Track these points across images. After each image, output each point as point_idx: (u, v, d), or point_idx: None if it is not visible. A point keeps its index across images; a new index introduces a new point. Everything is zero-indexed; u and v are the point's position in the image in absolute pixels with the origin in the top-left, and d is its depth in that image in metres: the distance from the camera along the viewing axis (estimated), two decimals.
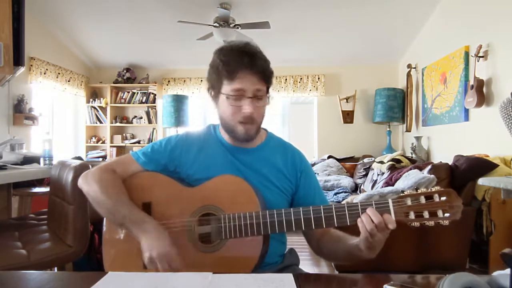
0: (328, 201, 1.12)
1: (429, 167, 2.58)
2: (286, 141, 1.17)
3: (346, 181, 4.05)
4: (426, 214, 0.82)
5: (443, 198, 0.82)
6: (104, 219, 1.04)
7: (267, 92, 1.03)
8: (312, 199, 1.07)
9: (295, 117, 5.68)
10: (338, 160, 4.75)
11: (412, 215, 0.83)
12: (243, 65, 0.95)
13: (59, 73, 4.81)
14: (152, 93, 5.57)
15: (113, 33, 4.77)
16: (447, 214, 0.81)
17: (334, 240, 1.00)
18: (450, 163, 2.63)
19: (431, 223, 0.82)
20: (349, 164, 4.66)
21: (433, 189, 0.83)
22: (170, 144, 1.08)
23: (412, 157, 4.01)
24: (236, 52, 0.97)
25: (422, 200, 0.83)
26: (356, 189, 4.08)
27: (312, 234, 1.06)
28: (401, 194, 0.85)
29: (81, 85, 5.40)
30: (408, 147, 4.40)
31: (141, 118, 5.65)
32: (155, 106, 5.57)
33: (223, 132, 1.07)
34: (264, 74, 0.98)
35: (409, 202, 0.83)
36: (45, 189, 2.84)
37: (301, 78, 5.35)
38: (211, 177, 0.99)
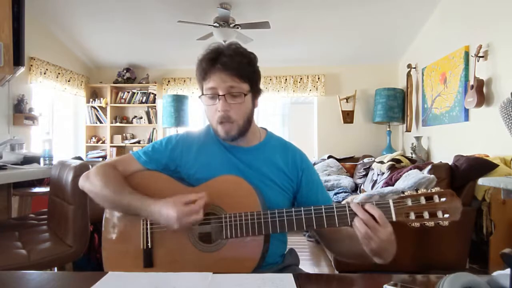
0: (331, 199, 1.12)
1: (429, 167, 2.58)
2: (287, 140, 1.16)
3: (346, 181, 4.05)
4: (426, 215, 0.83)
5: (443, 199, 0.83)
6: (104, 219, 1.04)
7: (252, 90, 1.01)
8: (315, 197, 1.07)
9: (295, 117, 5.68)
10: (338, 160, 4.75)
11: (412, 216, 0.83)
12: (211, 63, 0.96)
13: (59, 73, 4.81)
14: (152, 93, 5.57)
15: (113, 33, 4.77)
16: (446, 215, 0.82)
17: (346, 239, 0.98)
18: (450, 163, 2.63)
19: (431, 223, 0.82)
20: (349, 164, 4.66)
21: (433, 190, 0.84)
22: (170, 144, 1.08)
23: (412, 157, 4.01)
24: (207, 53, 0.99)
25: (422, 200, 0.83)
26: (356, 189, 4.08)
27: (323, 231, 1.04)
28: (402, 195, 0.85)
29: (81, 85, 5.40)
30: (408, 147, 4.40)
31: (141, 118, 5.65)
32: (155, 106, 5.57)
33: None
34: (238, 71, 0.97)
35: (409, 202, 0.84)
36: (45, 189, 2.84)
37: (301, 78, 5.35)
38: (212, 177, 0.99)
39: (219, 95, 0.97)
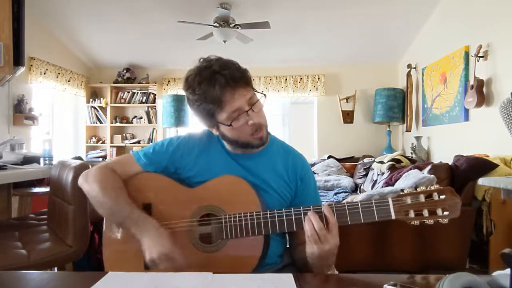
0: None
1: (429, 167, 2.58)
2: (289, 145, 1.15)
3: (346, 181, 4.05)
4: (425, 213, 0.83)
5: (442, 197, 0.83)
6: (104, 219, 1.04)
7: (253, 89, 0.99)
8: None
9: (295, 117, 5.68)
10: (338, 160, 4.75)
11: (412, 214, 0.83)
12: (222, 87, 0.90)
13: (59, 73, 4.81)
14: (152, 93, 5.57)
15: (113, 33, 4.77)
16: (446, 213, 0.82)
17: (302, 251, 1.00)
18: (450, 163, 2.63)
19: (431, 221, 0.83)
20: (349, 164, 4.66)
21: (432, 188, 0.84)
22: (172, 146, 1.07)
23: (412, 157, 4.01)
24: (207, 79, 0.92)
25: (422, 198, 0.84)
26: (356, 189, 4.08)
27: (294, 241, 1.07)
28: (401, 193, 0.85)
29: (81, 85, 5.40)
30: (408, 147, 4.40)
31: (141, 118, 5.65)
32: (155, 106, 5.57)
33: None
34: (244, 80, 0.94)
35: (409, 200, 0.84)
36: (45, 189, 2.84)
37: (301, 78, 5.35)
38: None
39: (247, 111, 0.94)
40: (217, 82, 0.91)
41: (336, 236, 0.84)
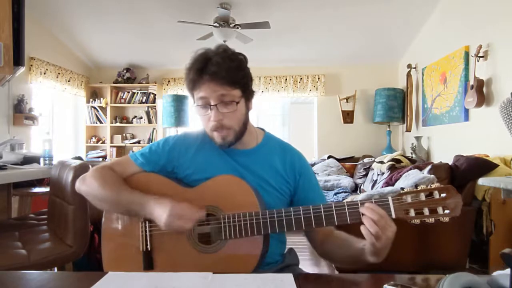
0: (326, 201, 1.11)
1: (429, 167, 2.58)
2: (286, 141, 1.15)
3: (346, 181, 4.05)
4: (426, 211, 0.82)
5: (443, 195, 0.82)
6: (103, 220, 1.04)
7: (244, 94, 0.99)
8: (312, 202, 1.06)
9: (295, 117, 5.68)
10: (338, 160, 4.75)
11: (412, 213, 0.82)
12: (199, 73, 0.94)
13: (59, 73, 4.81)
14: (152, 93, 5.57)
15: (113, 33, 4.77)
16: (447, 211, 0.81)
17: (338, 245, 0.98)
18: (450, 163, 2.63)
19: (431, 220, 0.82)
20: (349, 164, 4.66)
21: (433, 186, 0.83)
22: (168, 145, 1.07)
23: (412, 157, 4.01)
24: (194, 60, 0.96)
25: (422, 197, 0.83)
26: (356, 189, 4.08)
27: (315, 237, 1.04)
28: (401, 192, 0.84)
29: (81, 85, 5.40)
30: (408, 147, 4.40)
31: (141, 118, 5.66)
32: (155, 106, 5.58)
33: None
34: (228, 78, 0.93)
35: (409, 199, 0.83)
36: (45, 189, 2.84)
37: (301, 78, 5.35)
38: (209, 178, 0.99)
39: (210, 105, 0.95)
40: (197, 66, 0.94)
41: (392, 223, 0.82)
